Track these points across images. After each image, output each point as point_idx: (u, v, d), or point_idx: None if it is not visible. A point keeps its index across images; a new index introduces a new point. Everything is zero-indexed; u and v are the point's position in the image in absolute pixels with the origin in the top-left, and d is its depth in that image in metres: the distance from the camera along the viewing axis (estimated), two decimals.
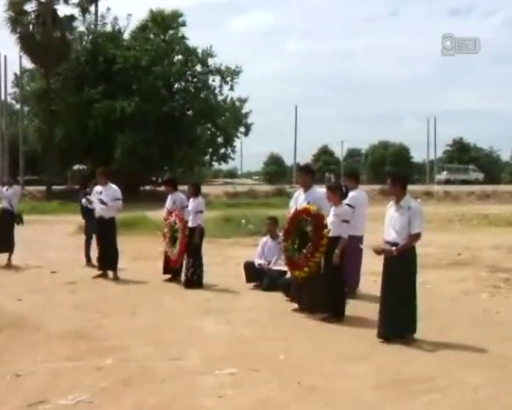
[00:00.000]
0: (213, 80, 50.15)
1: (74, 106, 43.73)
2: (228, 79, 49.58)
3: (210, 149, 50.79)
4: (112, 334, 8.20)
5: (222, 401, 5.80)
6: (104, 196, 12.52)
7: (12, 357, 7.19)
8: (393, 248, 7.76)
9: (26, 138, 51.58)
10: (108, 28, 48.46)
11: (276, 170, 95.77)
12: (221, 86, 50.22)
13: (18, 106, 55.41)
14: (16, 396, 5.92)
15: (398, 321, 7.78)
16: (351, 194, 10.43)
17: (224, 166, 74.58)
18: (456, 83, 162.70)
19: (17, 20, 42.00)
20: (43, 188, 45.86)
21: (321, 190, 9.66)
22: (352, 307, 9.39)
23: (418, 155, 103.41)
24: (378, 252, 8.03)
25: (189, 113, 49.23)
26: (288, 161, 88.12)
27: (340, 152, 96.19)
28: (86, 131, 43.25)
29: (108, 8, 48.28)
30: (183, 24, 50.38)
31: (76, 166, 45.39)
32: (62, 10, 44.82)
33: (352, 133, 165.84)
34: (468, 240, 18.83)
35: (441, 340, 7.83)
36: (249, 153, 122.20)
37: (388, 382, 6.30)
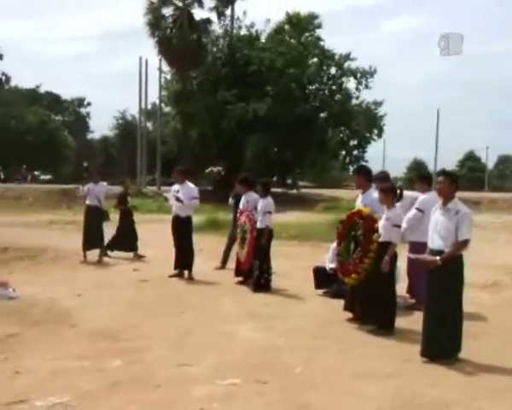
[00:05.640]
0: (348, 82, 49.55)
1: (209, 108, 44.21)
2: (362, 79, 48.71)
3: (343, 152, 50.01)
4: (142, 335, 7.93)
5: None
6: (181, 195, 12.35)
7: (28, 352, 7.08)
8: (437, 257, 6.95)
9: (164, 140, 53.02)
10: (244, 31, 48.86)
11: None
12: (357, 89, 49.55)
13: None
14: (4, 394, 5.76)
15: (441, 340, 6.97)
16: (421, 197, 9.69)
17: None
18: None
19: (155, 24, 43.18)
20: None
21: (377, 192, 8.93)
22: (411, 320, 8.65)
23: None
24: (421, 263, 7.25)
25: (322, 115, 48.66)
26: (432, 166, 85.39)
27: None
28: (220, 132, 43.63)
29: (244, 12, 48.88)
30: (319, 26, 50.22)
31: (209, 168, 46.05)
32: (198, 14, 45.65)
33: (501, 139, 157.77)
34: None
35: (488, 362, 6.95)
36: (393, 157, 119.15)
37: (396, 406, 5.61)
